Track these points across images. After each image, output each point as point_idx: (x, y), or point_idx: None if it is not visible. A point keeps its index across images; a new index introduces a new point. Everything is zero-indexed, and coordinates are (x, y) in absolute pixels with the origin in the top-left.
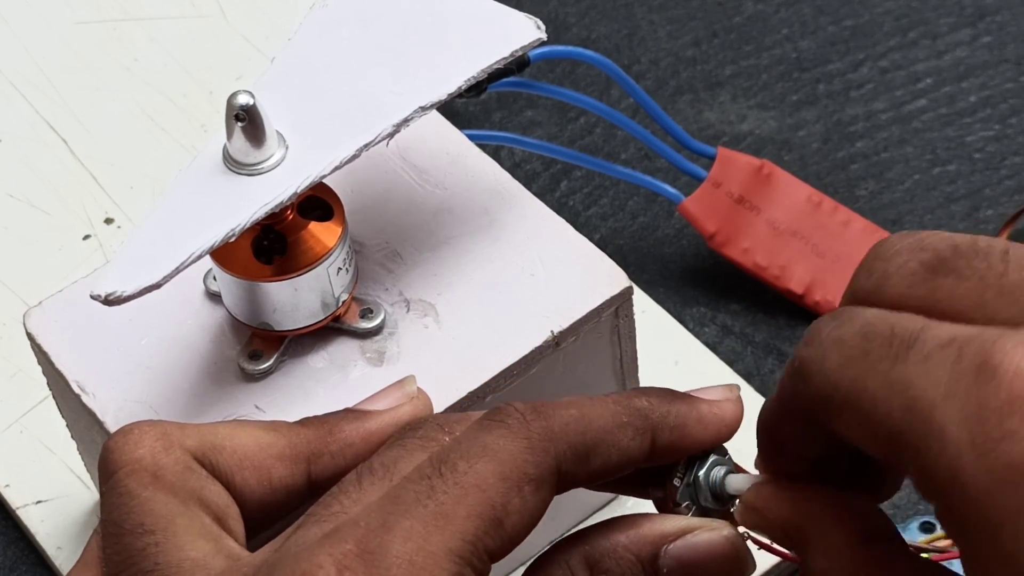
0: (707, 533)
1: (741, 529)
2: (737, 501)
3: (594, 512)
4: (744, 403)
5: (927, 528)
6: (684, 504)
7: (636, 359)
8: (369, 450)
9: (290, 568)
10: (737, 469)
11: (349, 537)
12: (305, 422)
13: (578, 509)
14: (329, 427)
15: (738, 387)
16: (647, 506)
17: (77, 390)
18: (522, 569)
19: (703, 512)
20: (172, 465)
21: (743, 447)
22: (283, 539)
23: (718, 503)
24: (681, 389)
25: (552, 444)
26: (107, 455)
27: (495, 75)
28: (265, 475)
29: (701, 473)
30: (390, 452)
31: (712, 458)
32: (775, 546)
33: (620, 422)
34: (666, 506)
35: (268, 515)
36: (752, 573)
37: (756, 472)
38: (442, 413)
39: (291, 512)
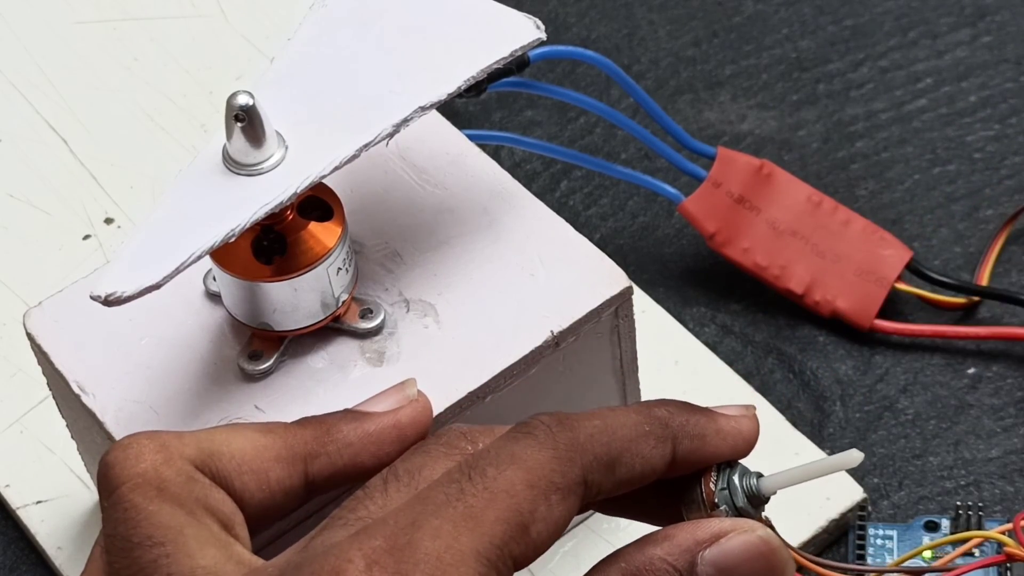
0: (742, 535)
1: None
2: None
3: (593, 512)
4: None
5: (931, 527)
6: (721, 508)
7: (636, 359)
8: (367, 450)
9: (319, 565)
10: None
11: (378, 534)
12: (303, 422)
13: None
14: (327, 427)
15: (754, 407)
16: None
17: (77, 390)
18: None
19: (737, 516)
20: (175, 476)
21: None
22: (307, 541)
23: (752, 506)
24: (681, 389)
25: (578, 455)
26: (107, 470)
27: (495, 75)
28: (263, 477)
29: (735, 477)
30: (414, 459)
31: (739, 466)
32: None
33: (642, 431)
34: (700, 511)
35: (266, 517)
36: (791, 573)
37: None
38: (464, 424)
39: (288, 513)
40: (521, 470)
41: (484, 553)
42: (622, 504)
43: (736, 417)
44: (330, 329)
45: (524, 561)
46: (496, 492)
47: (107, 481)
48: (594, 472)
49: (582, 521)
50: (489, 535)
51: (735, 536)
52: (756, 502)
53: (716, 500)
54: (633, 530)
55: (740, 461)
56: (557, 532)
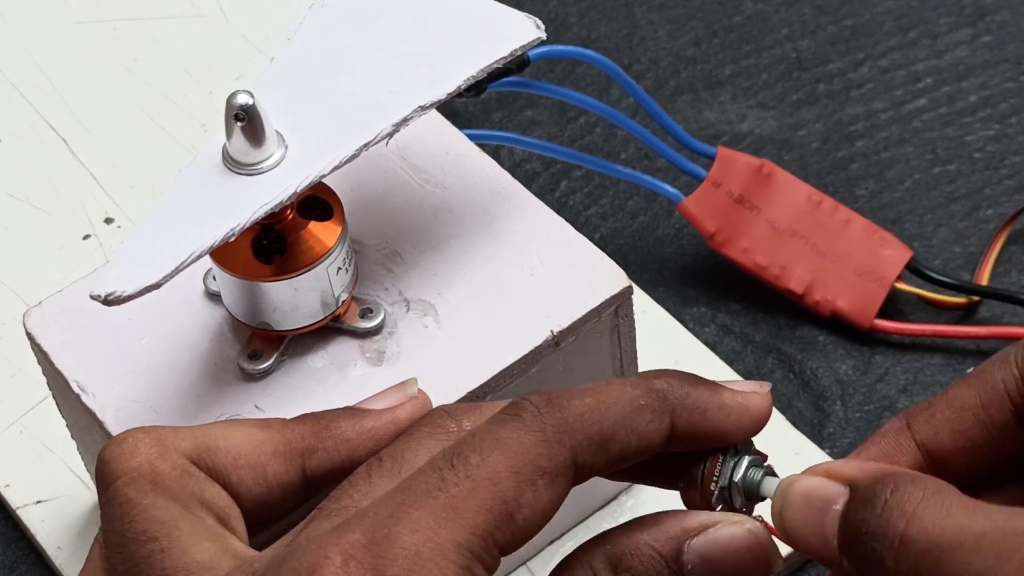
0: (729, 527)
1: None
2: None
3: (593, 512)
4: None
5: None
6: (719, 508)
7: (636, 359)
8: (365, 446)
9: (297, 560)
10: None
11: (357, 528)
12: (301, 418)
13: (576, 509)
14: (325, 423)
15: (769, 384)
16: (648, 505)
17: (77, 390)
18: (522, 569)
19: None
20: (170, 471)
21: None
22: (294, 535)
23: (749, 503)
24: None
25: (567, 436)
26: (103, 465)
27: (495, 75)
28: (260, 472)
29: (738, 477)
30: (399, 444)
31: (748, 459)
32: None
33: (638, 405)
34: (693, 501)
35: (265, 512)
36: (779, 566)
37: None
38: (449, 404)
39: (288, 509)
40: (506, 455)
41: (466, 544)
42: (627, 470)
43: (745, 393)
44: (330, 329)
45: (511, 548)
46: (479, 480)
47: (103, 476)
48: (585, 452)
49: (578, 523)
50: (471, 526)
51: (723, 527)
52: (755, 498)
53: (712, 502)
54: None
55: (748, 454)
56: (546, 516)
